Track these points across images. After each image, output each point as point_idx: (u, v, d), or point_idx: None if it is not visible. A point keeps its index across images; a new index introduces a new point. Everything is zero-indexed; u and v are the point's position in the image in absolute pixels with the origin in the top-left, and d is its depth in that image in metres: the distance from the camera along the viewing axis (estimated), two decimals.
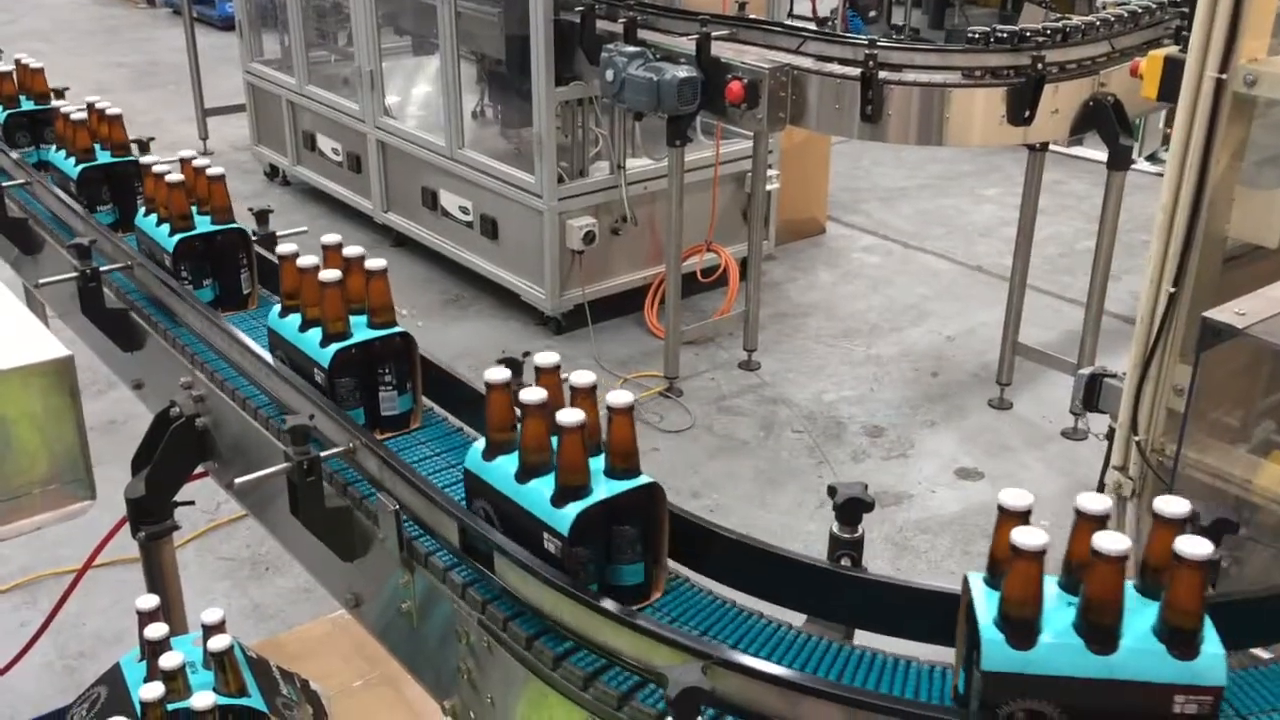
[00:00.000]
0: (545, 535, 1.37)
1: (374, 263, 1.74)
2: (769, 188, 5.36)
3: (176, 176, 2.13)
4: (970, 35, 3.90)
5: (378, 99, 5.65)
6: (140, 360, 2.31)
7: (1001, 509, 1.13)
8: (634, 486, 1.39)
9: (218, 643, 1.58)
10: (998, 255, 5.90)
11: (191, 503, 2.18)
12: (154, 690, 1.52)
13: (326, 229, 6.45)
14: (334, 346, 1.71)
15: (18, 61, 2.88)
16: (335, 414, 1.65)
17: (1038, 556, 1.07)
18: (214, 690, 1.58)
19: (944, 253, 6.15)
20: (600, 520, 1.38)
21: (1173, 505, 1.11)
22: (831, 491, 1.39)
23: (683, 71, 4.04)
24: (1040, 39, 3.80)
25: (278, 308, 1.84)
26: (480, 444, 1.47)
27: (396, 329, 1.74)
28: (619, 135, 4.90)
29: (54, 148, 2.62)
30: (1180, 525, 1.11)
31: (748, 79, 3.97)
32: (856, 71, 3.84)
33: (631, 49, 4.21)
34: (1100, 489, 2.37)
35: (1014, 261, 4.46)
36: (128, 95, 8.53)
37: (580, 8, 4.49)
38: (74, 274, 2.19)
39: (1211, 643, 1.09)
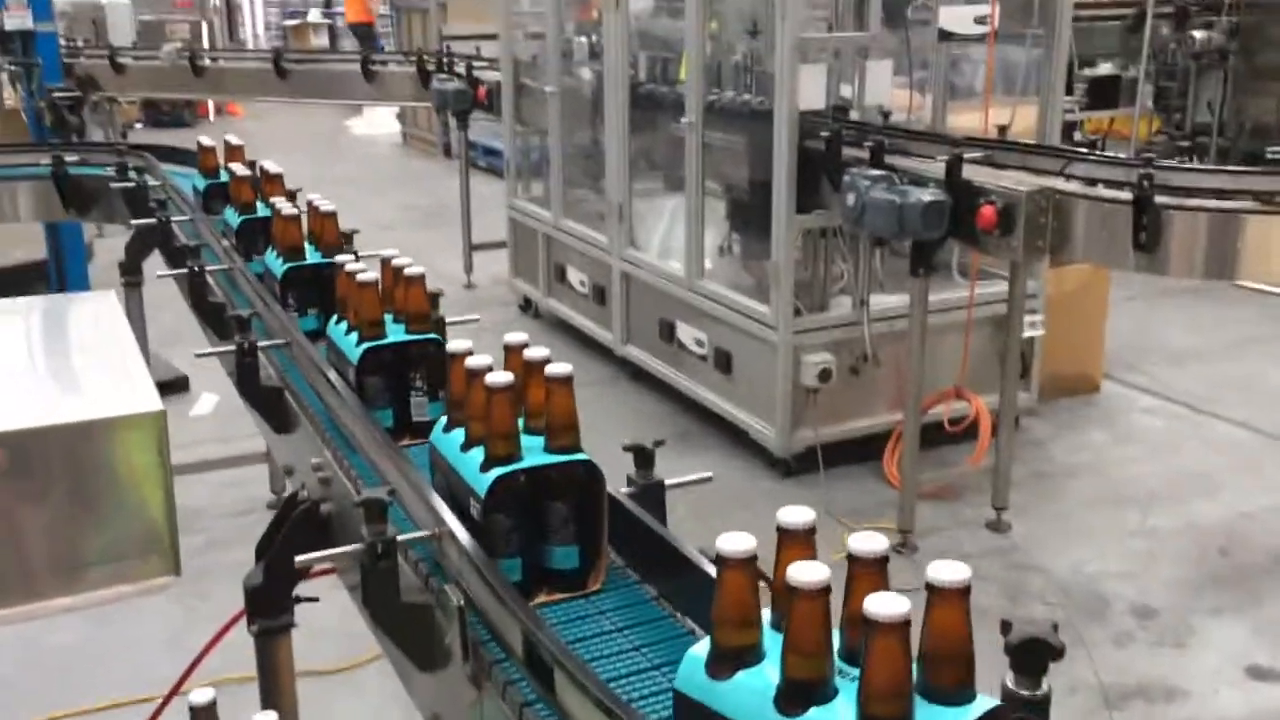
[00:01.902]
0: (471, 501, 1.38)
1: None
2: (1032, 334, 4.88)
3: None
4: (1273, 155, 3.40)
5: (625, 231, 5.62)
6: (292, 443, 2.18)
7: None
8: (566, 460, 1.39)
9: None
10: None
11: (316, 599, 2.00)
12: None
13: (571, 360, 6.50)
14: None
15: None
16: (480, 566, 1.27)
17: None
18: None
19: (1242, 421, 5.39)
20: (526, 490, 1.39)
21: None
22: (1005, 628, 1.01)
23: (929, 195, 3.73)
24: None
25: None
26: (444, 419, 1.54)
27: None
28: (863, 268, 4.60)
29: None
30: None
31: (1002, 203, 3.61)
32: (1129, 195, 3.41)
33: (876, 172, 3.94)
34: None
35: None
36: (410, 233, 9.04)
37: (826, 133, 4.29)
38: (231, 347, 2.10)
39: None
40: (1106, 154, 4.42)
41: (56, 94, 5.06)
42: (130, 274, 4.10)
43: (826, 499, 4.49)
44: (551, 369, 1.44)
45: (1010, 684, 1.00)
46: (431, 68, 7.53)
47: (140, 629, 3.55)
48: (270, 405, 2.13)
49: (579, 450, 1.43)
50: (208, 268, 2.64)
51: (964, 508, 4.51)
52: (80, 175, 4.26)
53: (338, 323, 1.96)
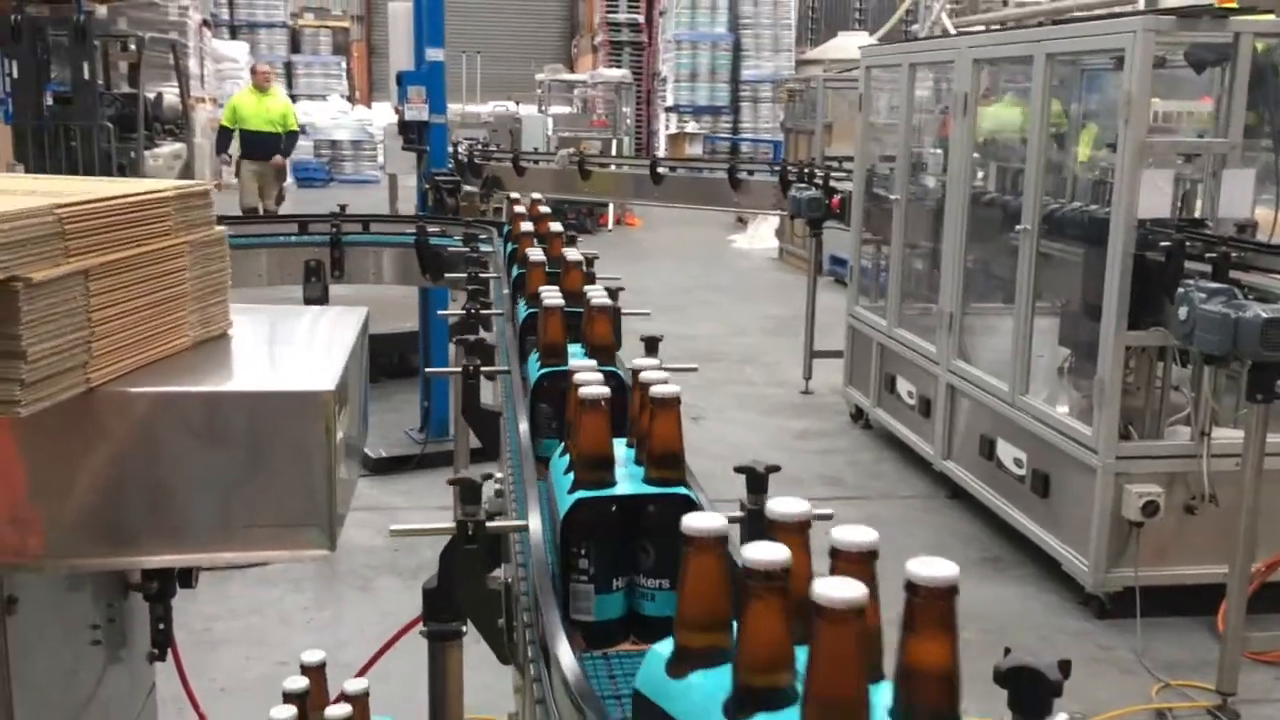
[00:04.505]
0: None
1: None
2: None
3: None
4: None
5: (954, 341, 5.42)
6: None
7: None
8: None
9: (338, 712, 1.39)
10: None
11: None
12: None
13: (892, 474, 6.35)
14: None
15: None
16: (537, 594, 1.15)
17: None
18: None
19: None
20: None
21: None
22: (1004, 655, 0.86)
23: (1270, 310, 3.32)
24: None
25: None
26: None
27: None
28: (1205, 393, 4.14)
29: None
30: None
31: None
32: None
33: (1215, 285, 3.57)
34: None
35: None
36: (761, 338, 9.20)
37: (1168, 243, 3.95)
38: (458, 369, 2.24)
39: None
40: None
41: (440, 177, 5.67)
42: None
43: (1141, 646, 4.02)
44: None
45: None
46: (793, 178, 7.72)
47: None
48: (488, 428, 2.24)
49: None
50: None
51: None
52: (438, 246, 4.73)
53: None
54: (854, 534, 0.83)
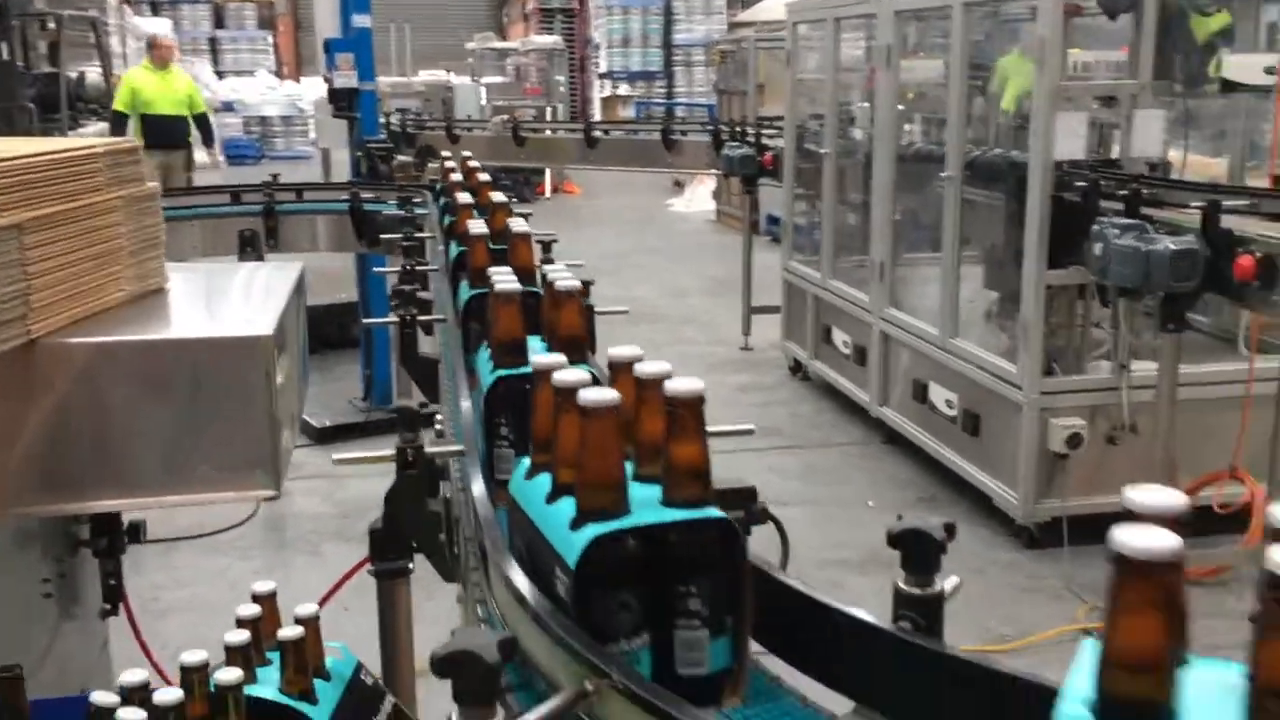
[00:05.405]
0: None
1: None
2: None
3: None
4: None
5: (886, 290, 5.55)
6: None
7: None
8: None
9: (290, 633, 1.45)
10: None
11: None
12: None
13: (830, 423, 6.49)
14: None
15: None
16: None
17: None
18: (279, 689, 1.44)
19: None
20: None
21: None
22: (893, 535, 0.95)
23: (1178, 243, 3.46)
24: None
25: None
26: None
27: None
28: (1124, 329, 4.30)
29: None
30: None
31: (1261, 253, 3.29)
32: None
33: (1127, 221, 3.70)
34: None
35: None
36: (701, 299, 9.30)
37: (1083, 184, 4.08)
38: (394, 319, 2.29)
39: None
40: None
41: (372, 145, 5.67)
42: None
43: (1069, 573, 4.19)
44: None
45: (901, 583, 0.94)
46: (726, 137, 7.79)
47: None
48: (427, 376, 2.29)
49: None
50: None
51: (1228, 596, 4.06)
52: (373, 211, 4.74)
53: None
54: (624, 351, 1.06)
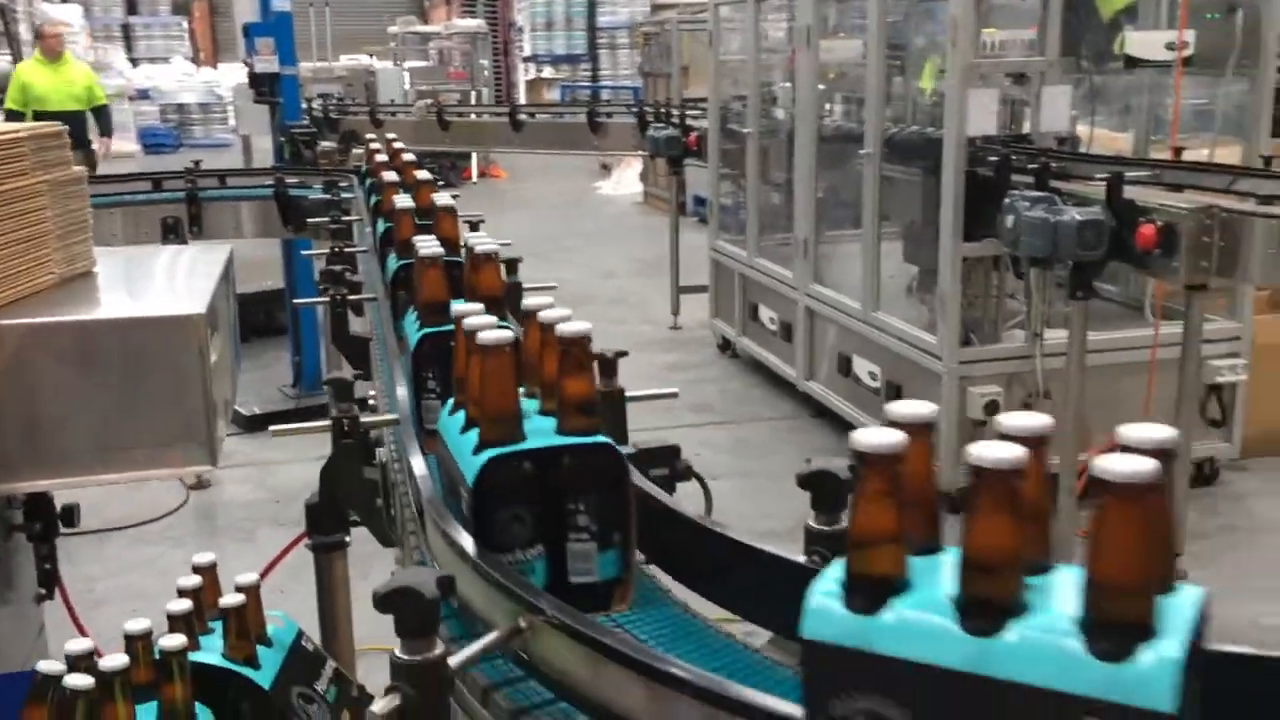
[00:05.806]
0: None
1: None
2: (1231, 379, 4.57)
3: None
4: None
5: (810, 266, 5.66)
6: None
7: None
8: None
9: (231, 599, 1.49)
10: None
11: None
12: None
13: (759, 398, 6.60)
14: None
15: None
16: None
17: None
18: (222, 654, 1.49)
19: None
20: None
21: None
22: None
23: (1083, 213, 3.60)
24: None
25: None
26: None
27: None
28: (1036, 299, 4.45)
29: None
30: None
31: (1162, 221, 3.44)
32: None
33: (1037, 194, 3.84)
34: None
35: None
36: (629, 280, 9.36)
37: (995, 159, 4.21)
38: (325, 299, 2.32)
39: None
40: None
41: (295, 130, 5.64)
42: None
43: None
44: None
45: (811, 522, 1.02)
46: (651, 119, 7.85)
47: None
48: (359, 353, 2.33)
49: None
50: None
51: None
52: (298, 196, 4.74)
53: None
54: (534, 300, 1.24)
